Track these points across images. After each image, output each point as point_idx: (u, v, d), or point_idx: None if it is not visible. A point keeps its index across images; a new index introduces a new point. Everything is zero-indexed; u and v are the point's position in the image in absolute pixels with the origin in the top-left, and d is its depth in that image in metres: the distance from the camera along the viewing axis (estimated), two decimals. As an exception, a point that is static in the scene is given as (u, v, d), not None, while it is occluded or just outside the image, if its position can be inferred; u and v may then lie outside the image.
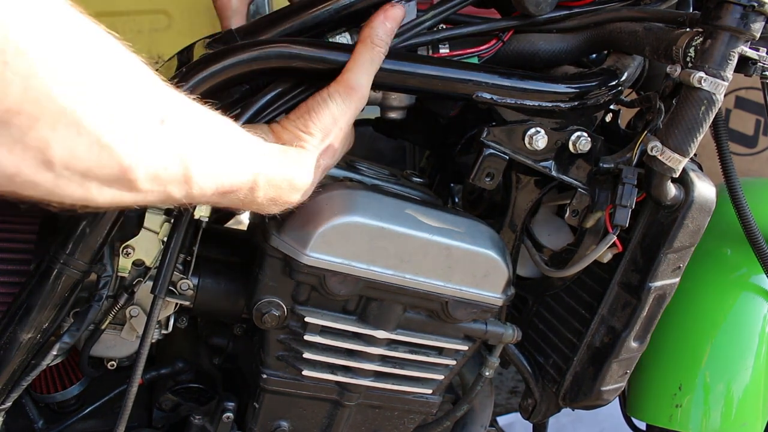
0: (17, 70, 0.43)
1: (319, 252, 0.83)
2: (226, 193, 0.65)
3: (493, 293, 0.92)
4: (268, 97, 0.81)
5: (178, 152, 0.56)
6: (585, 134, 0.95)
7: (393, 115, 0.96)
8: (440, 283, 0.89)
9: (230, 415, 0.96)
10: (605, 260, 0.99)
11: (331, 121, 0.77)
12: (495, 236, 0.93)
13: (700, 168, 1.00)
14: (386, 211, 0.86)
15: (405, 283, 0.88)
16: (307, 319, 0.88)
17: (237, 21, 0.96)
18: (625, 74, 0.95)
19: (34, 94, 0.44)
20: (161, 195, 0.57)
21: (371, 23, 0.81)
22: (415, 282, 0.88)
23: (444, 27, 0.91)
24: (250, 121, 0.80)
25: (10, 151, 0.45)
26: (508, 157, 0.93)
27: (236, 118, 0.77)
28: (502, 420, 2.11)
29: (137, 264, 0.89)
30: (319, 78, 0.80)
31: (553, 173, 0.96)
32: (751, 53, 0.84)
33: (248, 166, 0.67)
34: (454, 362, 0.97)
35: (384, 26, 0.81)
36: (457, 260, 0.89)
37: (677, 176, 0.90)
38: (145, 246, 0.89)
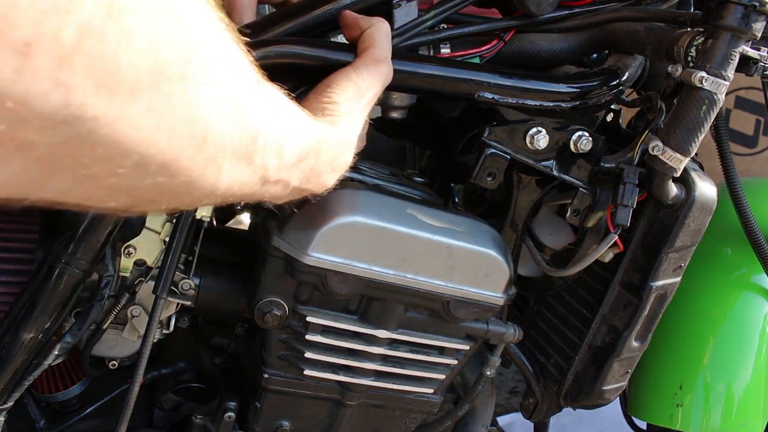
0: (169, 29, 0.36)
1: (321, 252, 0.83)
2: (301, 161, 0.62)
3: (494, 293, 0.92)
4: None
5: (273, 116, 0.54)
6: (586, 134, 0.95)
7: (394, 114, 0.96)
8: (442, 283, 0.89)
9: (232, 414, 0.96)
10: (606, 260, 0.99)
11: (356, 92, 0.73)
12: (496, 236, 0.93)
13: (701, 167, 1.00)
14: (388, 211, 0.86)
15: (406, 283, 0.88)
16: (308, 319, 0.88)
17: (248, 17, 0.95)
18: (627, 74, 0.96)
19: (184, 51, 0.38)
20: (262, 169, 0.54)
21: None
22: (416, 282, 0.88)
23: (445, 27, 0.91)
24: None
25: (170, 129, 0.38)
26: (509, 157, 0.93)
27: None
28: (502, 420, 2.11)
29: (139, 264, 0.89)
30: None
31: (555, 173, 0.96)
32: (753, 53, 0.84)
33: (310, 129, 0.64)
34: (455, 362, 0.98)
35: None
36: (459, 260, 0.89)
37: (678, 176, 0.90)
38: (147, 246, 0.89)
